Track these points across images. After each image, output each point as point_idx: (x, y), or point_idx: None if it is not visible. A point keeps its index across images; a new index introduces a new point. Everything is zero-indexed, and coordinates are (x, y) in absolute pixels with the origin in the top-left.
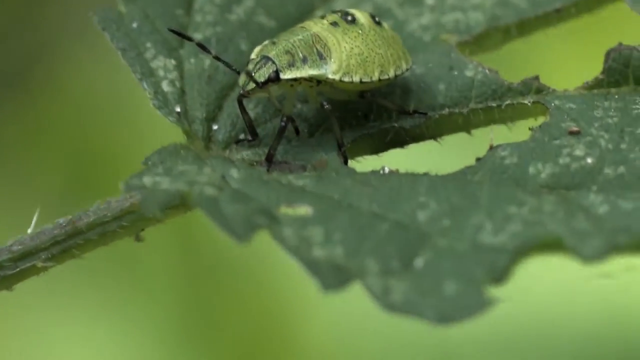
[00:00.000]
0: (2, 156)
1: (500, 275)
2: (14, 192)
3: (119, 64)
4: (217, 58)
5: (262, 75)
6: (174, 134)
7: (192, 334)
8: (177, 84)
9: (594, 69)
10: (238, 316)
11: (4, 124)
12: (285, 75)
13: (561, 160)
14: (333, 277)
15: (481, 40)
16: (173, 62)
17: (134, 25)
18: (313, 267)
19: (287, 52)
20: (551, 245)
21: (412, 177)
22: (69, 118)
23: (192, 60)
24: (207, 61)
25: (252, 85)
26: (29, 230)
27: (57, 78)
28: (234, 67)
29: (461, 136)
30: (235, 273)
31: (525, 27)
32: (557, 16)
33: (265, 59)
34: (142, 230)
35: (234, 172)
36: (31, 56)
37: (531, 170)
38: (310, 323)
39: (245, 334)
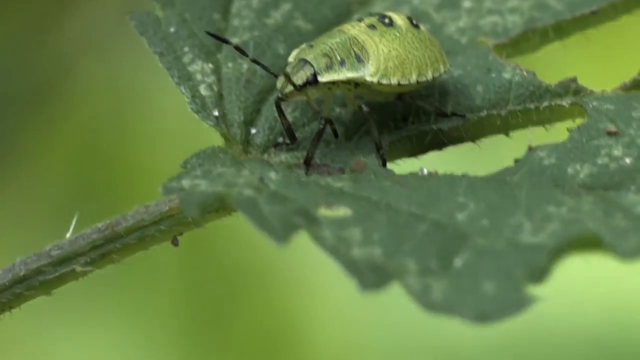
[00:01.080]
0: (39, 163)
1: (539, 274)
2: (52, 197)
3: (135, 77)
4: (254, 61)
5: (300, 78)
6: (197, 142)
7: (199, 339)
8: (215, 87)
9: (632, 70)
10: (246, 322)
11: (39, 131)
12: (323, 77)
13: (599, 161)
14: (372, 277)
15: (518, 43)
16: (211, 66)
17: (172, 29)
18: (352, 267)
19: (325, 54)
20: (590, 243)
21: (451, 178)
22: (104, 127)
23: (230, 64)
24: (245, 65)
25: (290, 88)
26: (68, 235)
27: (86, 87)
28: (271, 71)
29: (499, 138)
30: (244, 279)
31: (562, 29)
32: (594, 18)
33: (303, 61)
34: (180, 234)
35: (272, 174)
36: (50, 73)
37: (569, 170)
38: (318, 330)
39: (253, 340)
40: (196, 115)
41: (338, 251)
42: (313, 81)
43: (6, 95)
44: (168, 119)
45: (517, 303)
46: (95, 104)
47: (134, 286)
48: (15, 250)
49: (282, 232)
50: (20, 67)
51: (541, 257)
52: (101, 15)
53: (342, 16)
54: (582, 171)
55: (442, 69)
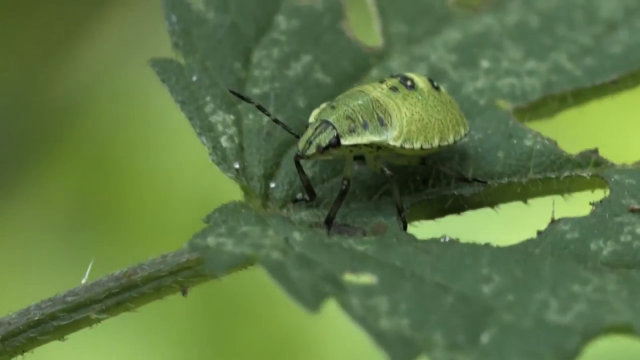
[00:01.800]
0: (55, 207)
1: (569, 357)
2: (67, 242)
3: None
4: (276, 121)
5: (323, 140)
6: (205, 182)
7: (203, 351)
8: (236, 139)
9: None
10: (253, 335)
11: (53, 175)
12: (346, 141)
13: (622, 238)
14: (401, 350)
15: (537, 108)
16: (232, 117)
17: (194, 78)
18: (381, 339)
19: (348, 117)
20: (620, 329)
21: (474, 247)
22: (121, 170)
23: (251, 116)
24: (266, 117)
25: (312, 150)
26: (83, 281)
27: (97, 115)
28: (292, 131)
29: (517, 204)
30: (250, 292)
31: (581, 96)
32: (613, 87)
33: (326, 123)
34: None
35: (297, 235)
36: (60, 104)
37: (592, 247)
38: (323, 340)
39: (258, 352)
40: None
41: (367, 322)
42: (336, 144)
43: (16, 124)
44: (182, 143)
45: None
46: (106, 136)
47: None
48: (27, 285)
49: (312, 300)
50: (32, 94)
51: (571, 340)
52: (115, 41)
53: (361, 70)
54: (606, 248)
55: (462, 133)
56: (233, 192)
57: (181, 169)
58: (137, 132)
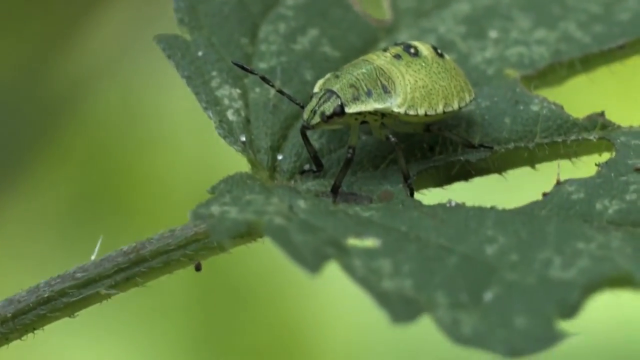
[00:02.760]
0: (64, 186)
1: (570, 310)
2: (76, 219)
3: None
4: (280, 92)
5: (327, 109)
6: (209, 170)
7: (206, 347)
8: (242, 113)
9: None
10: (253, 329)
11: (65, 154)
12: (350, 109)
13: (628, 197)
14: (403, 309)
15: (545, 75)
16: (238, 91)
17: (200, 53)
18: (383, 299)
19: (352, 85)
20: (621, 280)
21: (479, 210)
22: (117, 141)
23: (257, 90)
24: (272, 91)
25: (317, 119)
26: (92, 257)
27: (98, 104)
28: (297, 101)
29: (525, 170)
30: (251, 286)
31: (589, 62)
32: (621, 52)
33: (330, 92)
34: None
35: (301, 203)
36: (62, 91)
37: (598, 206)
38: (326, 336)
39: (261, 347)
40: (221, 139)
41: (369, 282)
42: (340, 112)
43: (19, 111)
44: (182, 135)
45: (548, 338)
46: (109, 121)
47: (140, 294)
48: (34, 267)
49: (313, 262)
50: (32, 84)
51: (573, 294)
52: (115, 33)
53: (369, 43)
54: (611, 207)
55: (467, 99)
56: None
57: (180, 158)
58: (136, 122)
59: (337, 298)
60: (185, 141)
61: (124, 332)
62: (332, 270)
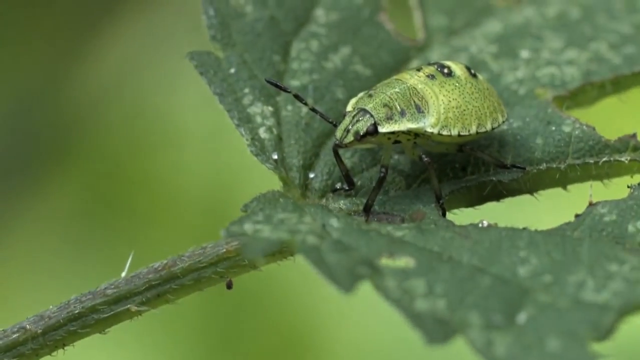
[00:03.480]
0: (96, 202)
1: (604, 333)
2: (108, 236)
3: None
4: (313, 110)
5: (360, 128)
6: (215, 187)
7: (212, 352)
8: (275, 130)
9: None
10: (262, 333)
11: (80, 165)
12: (384, 128)
13: None
14: (437, 330)
15: (576, 96)
16: (270, 108)
17: (232, 70)
18: (417, 320)
19: (385, 105)
20: None
21: (512, 231)
22: (128, 157)
23: (290, 108)
24: (304, 109)
25: (350, 138)
26: (123, 274)
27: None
28: (330, 120)
29: (556, 191)
30: (258, 291)
31: (620, 83)
32: None
33: (363, 111)
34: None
35: (334, 222)
36: (75, 109)
37: (630, 228)
38: (334, 340)
39: (269, 351)
40: (234, 150)
41: (403, 303)
42: (373, 132)
43: (35, 123)
44: (193, 144)
45: None
46: (119, 139)
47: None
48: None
49: (347, 282)
50: (44, 103)
51: (606, 316)
52: (126, 47)
53: (401, 62)
54: None
55: (500, 119)
56: (243, 197)
57: (191, 175)
58: (148, 137)
59: (345, 302)
60: (195, 156)
61: (126, 336)
62: None
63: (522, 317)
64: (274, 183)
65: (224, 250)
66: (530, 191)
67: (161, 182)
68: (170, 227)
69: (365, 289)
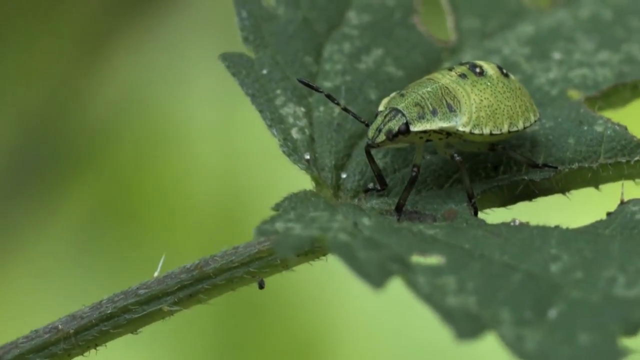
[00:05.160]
0: (128, 204)
1: (635, 328)
2: (140, 236)
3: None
4: (345, 109)
5: (392, 127)
6: (226, 196)
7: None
8: (307, 131)
9: None
10: (272, 341)
11: (96, 175)
12: (416, 127)
13: None
14: (467, 325)
15: (609, 97)
16: (303, 109)
17: (264, 71)
18: (447, 315)
19: (417, 104)
20: None
21: (543, 229)
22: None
23: (322, 108)
24: (336, 109)
25: (382, 137)
26: (155, 274)
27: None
28: (362, 120)
29: (589, 190)
30: (266, 299)
31: None
32: None
33: (395, 111)
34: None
35: (366, 220)
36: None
37: None
38: (346, 343)
39: (280, 354)
40: (248, 155)
41: (433, 299)
42: (405, 131)
43: (50, 135)
44: (207, 151)
45: (612, 355)
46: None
47: None
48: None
49: (378, 278)
50: (56, 113)
51: (637, 311)
52: (134, 65)
53: (433, 63)
54: None
55: (532, 119)
56: (256, 203)
57: (204, 181)
58: (159, 145)
59: (357, 304)
60: (206, 168)
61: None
62: (350, 277)
63: (552, 313)
64: (287, 190)
65: (257, 250)
66: (563, 191)
67: (174, 189)
68: (185, 232)
69: (380, 298)
